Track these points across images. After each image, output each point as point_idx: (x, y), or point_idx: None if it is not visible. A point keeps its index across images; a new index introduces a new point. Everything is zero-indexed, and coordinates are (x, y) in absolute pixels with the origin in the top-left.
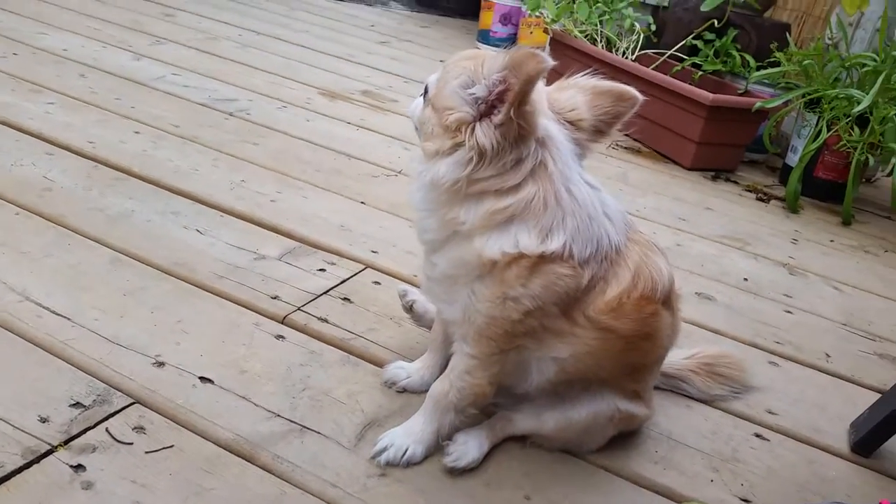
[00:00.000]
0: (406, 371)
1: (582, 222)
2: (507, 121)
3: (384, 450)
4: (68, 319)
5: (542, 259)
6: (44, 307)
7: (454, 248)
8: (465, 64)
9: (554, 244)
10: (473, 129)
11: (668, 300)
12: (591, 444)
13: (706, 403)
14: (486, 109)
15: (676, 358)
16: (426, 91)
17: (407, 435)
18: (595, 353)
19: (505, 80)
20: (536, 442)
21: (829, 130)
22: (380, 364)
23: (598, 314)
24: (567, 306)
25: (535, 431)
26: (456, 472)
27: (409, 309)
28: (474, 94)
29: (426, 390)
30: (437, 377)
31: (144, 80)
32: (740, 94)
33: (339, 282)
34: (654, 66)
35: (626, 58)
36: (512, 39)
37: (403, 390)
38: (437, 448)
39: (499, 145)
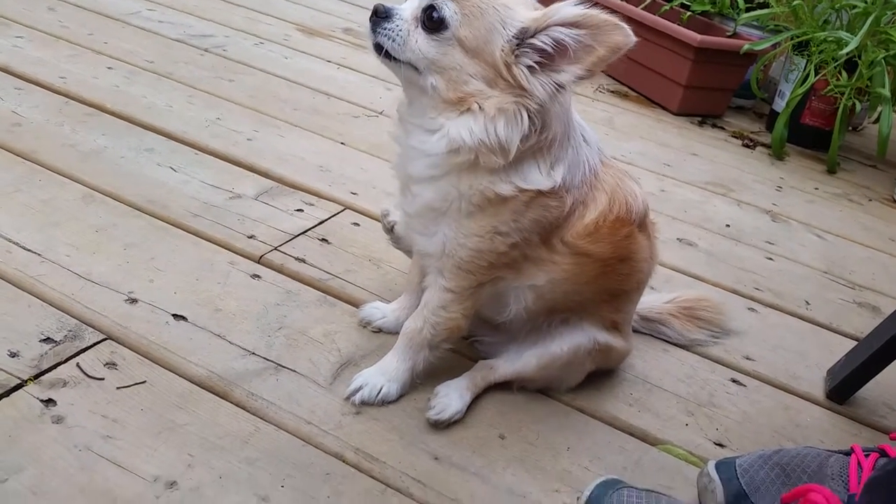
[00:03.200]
0: (381, 311)
1: (572, 150)
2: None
3: (359, 389)
4: (38, 255)
5: (540, 193)
6: (13, 242)
7: (449, 182)
8: (512, 9)
9: (557, 177)
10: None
11: (643, 223)
12: (571, 381)
13: (683, 348)
14: (541, 62)
15: (657, 302)
16: (439, 22)
17: (381, 373)
18: (571, 279)
19: (583, 42)
20: (520, 385)
21: (816, 75)
22: (357, 305)
23: (575, 239)
24: (548, 234)
25: (517, 374)
26: (441, 425)
27: (390, 230)
28: (533, 43)
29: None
30: None
31: (118, 14)
32: (729, 37)
33: (317, 223)
34: (642, 6)
35: None
36: None
37: (378, 330)
38: (411, 386)
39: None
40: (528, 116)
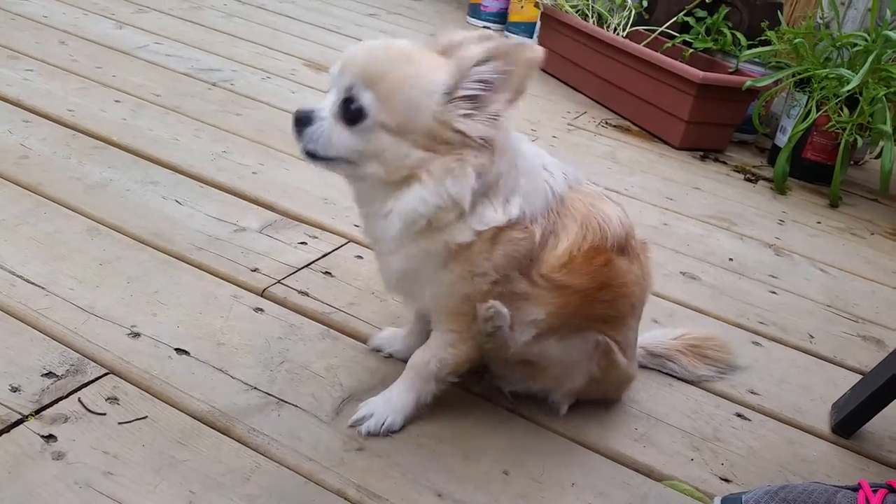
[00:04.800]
0: (391, 338)
1: (528, 179)
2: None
3: (364, 418)
4: (42, 288)
5: (501, 228)
6: (17, 275)
7: (415, 247)
8: (425, 74)
9: (514, 210)
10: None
11: (624, 247)
12: (574, 378)
13: (689, 383)
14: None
15: (664, 338)
16: (357, 113)
17: (387, 404)
18: (557, 312)
19: (500, 69)
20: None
21: (818, 111)
22: (360, 338)
23: (551, 272)
24: (527, 268)
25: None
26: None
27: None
28: (462, 94)
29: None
30: (423, 342)
31: (126, 48)
32: (731, 73)
33: (320, 255)
34: (644, 42)
35: (617, 34)
36: (503, 14)
37: (390, 356)
38: (416, 417)
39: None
40: (472, 168)
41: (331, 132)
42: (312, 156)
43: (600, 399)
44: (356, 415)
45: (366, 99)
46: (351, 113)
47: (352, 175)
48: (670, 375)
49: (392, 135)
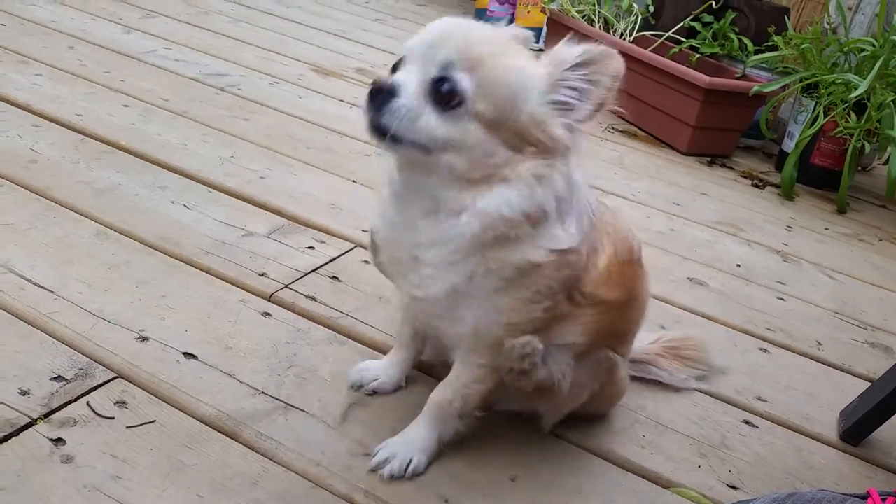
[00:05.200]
0: (372, 372)
1: (576, 197)
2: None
3: (386, 461)
4: (52, 292)
5: (565, 251)
6: (27, 279)
7: (473, 261)
8: (524, 68)
9: (574, 229)
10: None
11: (640, 259)
12: (578, 399)
13: (696, 389)
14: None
15: (642, 343)
16: (452, 96)
17: (407, 445)
18: (594, 332)
19: (590, 78)
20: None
21: (825, 116)
22: (367, 343)
23: (593, 289)
24: (571, 289)
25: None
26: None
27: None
28: (557, 98)
29: (397, 390)
30: (407, 373)
31: (135, 53)
32: (738, 78)
33: (327, 260)
34: (651, 48)
35: (624, 39)
36: (509, 19)
37: (374, 393)
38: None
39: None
40: (559, 176)
41: (418, 112)
42: (382, 133)
43: (588, 415)
44: (376, 458)
45: (465, 82)
46: (445, 95)
47: (417, 164)
48: (656, 382)
49: (484, 126)
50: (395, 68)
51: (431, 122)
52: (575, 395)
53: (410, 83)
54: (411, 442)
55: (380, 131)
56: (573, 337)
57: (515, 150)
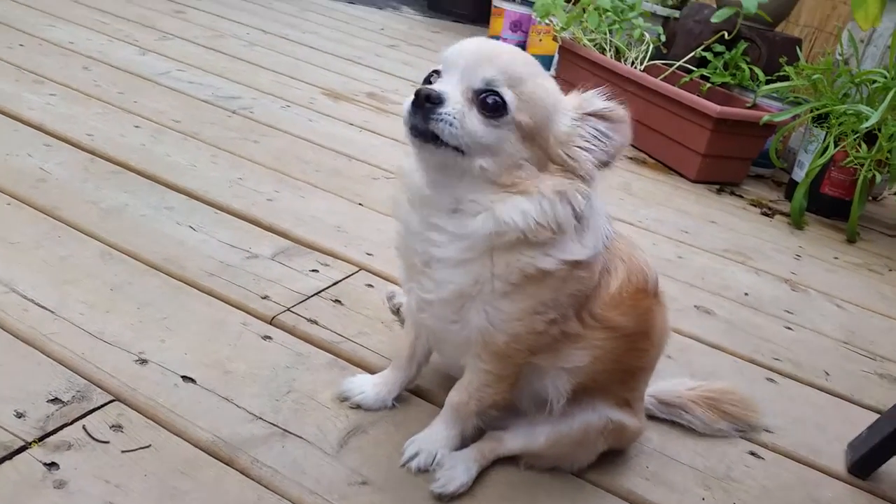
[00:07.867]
0: (359, 387)
1: (594, 217)
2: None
3: (414, 455)
4: (52, 313)
5: (576, 264)
6: (28, 299)
7: (483, 263)
8: (558, 94)
9: (590, 244)
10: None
11: (657, 293)
12: (583, 460)
13: None
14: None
15: (678, 388)
16: (497, 107)
17: (432, 441)
18: (602, 357)
19: (606, 133)
20: (528, 462)
21: (836, 146)
22: (368, 368)
23: (603, 311)
24: (580, 307)
25: (525, 449)
26: (445, 498)
27: (396, 312)
28: (582, 130)
29: (380, 408)
30: (395, 396)
31: (149, 74)
32: (748, 108)
33: (331, 283)
34: (662, 76)
35: (635, 68)
36: (521, 47)
37: (357, 406)
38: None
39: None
40: (580, 195)
41: (465, 118)
42: (425, 136)
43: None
44: (406, 454)
45: (509, 95)
46: (491, 105)
47: (451, 166)
48: (684, 427)
49: (521, 137)
50: (428, 80)
51: (478, 128)
52: (572, 450)
53: (455, 93)
54: (435, 438)
55: (424, 135)
56: (579, 360)
57: (541, 167)
